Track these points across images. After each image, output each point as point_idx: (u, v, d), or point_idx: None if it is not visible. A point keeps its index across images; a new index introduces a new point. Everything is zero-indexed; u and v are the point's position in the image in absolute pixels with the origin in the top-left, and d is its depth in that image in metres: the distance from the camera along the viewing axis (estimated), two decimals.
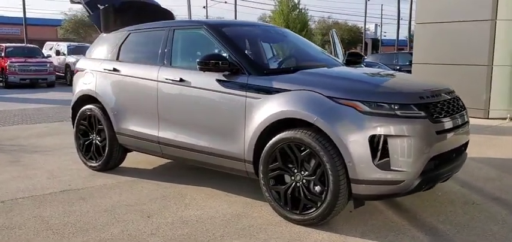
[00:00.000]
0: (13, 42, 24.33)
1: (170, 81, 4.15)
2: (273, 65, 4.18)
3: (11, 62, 16.91)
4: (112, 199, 4.06)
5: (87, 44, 22.72)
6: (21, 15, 30.65)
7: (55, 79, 17.97)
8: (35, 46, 19.82)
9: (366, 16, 45.64)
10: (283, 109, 3.41)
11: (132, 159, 5.15)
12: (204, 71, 3.81)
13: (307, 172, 3.37)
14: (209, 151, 3.92)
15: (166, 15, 5.69)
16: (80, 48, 20.39)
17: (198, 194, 4.18)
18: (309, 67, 3.99)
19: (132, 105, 4.52)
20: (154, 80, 4.28)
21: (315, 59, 4.47)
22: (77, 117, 5.06)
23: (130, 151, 4.89)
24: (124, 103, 4.59)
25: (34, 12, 37.54)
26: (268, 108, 3.50)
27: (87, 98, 5.02)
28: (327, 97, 3.27)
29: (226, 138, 3.80)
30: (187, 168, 4.98)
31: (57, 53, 20.00)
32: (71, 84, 18.54)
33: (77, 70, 5.29)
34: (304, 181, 3.39)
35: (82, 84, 5.06)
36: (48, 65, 17.60)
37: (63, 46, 20.60)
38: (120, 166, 5.03)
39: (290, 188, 3.46)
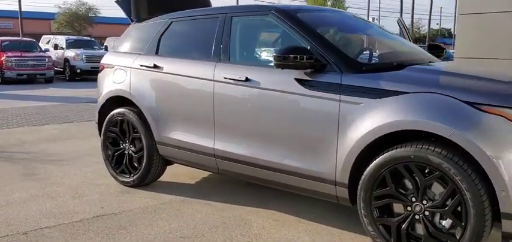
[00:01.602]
0: (6, 36, 23.25)
1: (231, 81, 3.34)
2: (365, 60, 3.37)
3: (7, 57, 15.91)
4: (161, 228, 3.25)
5: (87, 37, 21.81)
6: (13, 8, 29.50)
7: (54, 75, 17.00)
8: (31, 39, 18.79)
9: (369, 9, 44.92)
10: (399, 119, 2.61)
11: (169, 171, 4.33)
12: (283, 68, 3.00)
13: (432, 202, 2.58)
14: (285, 169, 3.12)
15: (204, 3, 4.85)
16: (79, 41, 19.44)
17: (266, 221, 3.38)
18: (412, 62, 3.19)
19: (179, 109, 3.70)
20: (209, 79, 3.47)
21: (410, 52, 3.65)
22: (105, 123, 4.23)
23: (171, 163, 4.08)
24: (168, 107, 3.77)
25: (26, 5, 36.16)
26: (375, 116, 2.70)
27: (117, 100, 4.20)
28: (465, 102, 2.47)
29: (310, 153, 3.00)
30: (238, 182, 4.17)
31: (55, 46, 19.00)
32: (70, 79, 17.88)
33: (104, 67, 4.45)
34: (426, 213, 2.60)
35: (111, 83, 4.23)
36: (46, 60, 16.63)
37: (61, 39, 19.59)
38: (157, 180, 4.22)
39: (405, 222, 2.67)
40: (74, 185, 4.21)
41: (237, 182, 4.16)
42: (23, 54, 16.37)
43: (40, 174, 4.59)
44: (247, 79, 3.24)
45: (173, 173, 4.41)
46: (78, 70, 17.37)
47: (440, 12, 58.45)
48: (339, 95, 2.86)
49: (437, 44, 4.38)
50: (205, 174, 4.44)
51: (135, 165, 4.12)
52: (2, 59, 15.92)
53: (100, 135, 4.41)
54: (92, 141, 6.21)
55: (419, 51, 3.73)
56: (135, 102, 3.98)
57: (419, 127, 2.54)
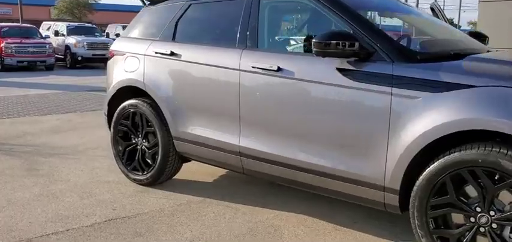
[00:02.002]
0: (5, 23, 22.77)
1: (260, 71, 2.96)
2: (416, 48, 2.98)
3: (7, 43, 15.47)
4: (181, 235, 2.90)
5: (88, 24, 21.32)
6: None
7: (54, 62, 16.58)
8: (32, 26, 18.32)
9: None
10: (468, 117, 2.24)
11: (185, 168, 3.97)
12: (324, 56, 2.63)
13: (501, 213, 2.23)
14: (323, 171, 2.76)
15: None
16: (80, 28, 18.98)
17: (297, 228, 3.03)
18: (469, 51, 2.82)
19: (199, 102, 3.33)
20: (235, 69, 3.09)
21: (462, 40, 3.25)
22: (116, 115, 3.86)
23: (188, 160, 3.72)
24: (186, 99, 3.40)
25: None
26: (436, 113, 2.33)
27: (129, 90, 3.82)
28: None
29: (353, 154, 2.64)
30: (261, 181, 3.81)
31: (56, 33, 18.53)
32: (71, 67, 17.41)
33: (113, 54, 4.07)
34: (494, 225, 2.25)
35: (122, 72, 3.85)
36: (47, 46, 16.18)
37: (62, 26, 19.12)
38: (172, 178, 3.86)
39: (468, 235, 2.32)
40: (81, 183, 3.85)
41: (259, 181, 3.81)
42: (23, 41, 15.92)
43: (44, 169, 4.23)
44: (279, 69, 2.87)
45: (190, 170, 4.05)
46: (80, 58, 16.92)
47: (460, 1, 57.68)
48: (390, 88, 2.49)
49: (479, 32, 3.99)
50: (224, 171, 4.08)
51: (149, 161, 3.77)
52: (2, 45, 15.48)
53: (109, 129, 4.05)
54: (97, 132, 5.85)
55: (469, 39, 3.35)
56: (149, 93, 3.61)
57: (493, 127, 2.18)
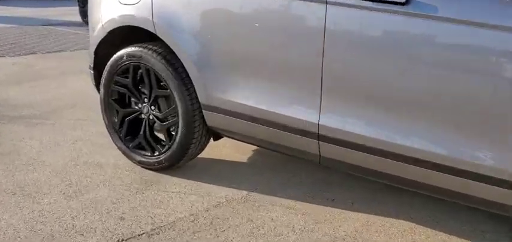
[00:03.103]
0: None
1: (369, 3, 1.81)
2: None
3: None
4: None
5: None
6: None
7: None
8: None
9: None
10: None
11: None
12: None
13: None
14: (467, 169, 1.73)
15: None
16: None
17: (395, 239, 2.04)
18: None
19: (252, 51, 2.16)
20: (318, 0, 1.92)
21: None
22: (107, 70, 2.63)
23: (219, 137, 2.59)
24: (229, 46, 2.21)
25: None
26: None
27: (128, 32, 2.60)
28: None
29: None
30: (324, 169, 2.75)
31: None
32: None
33: None
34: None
35: (116, 4, 2.58)
36: None
37: None
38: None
39: None
40: (61, 168, 2.67)
41: (320, 168, 2.74)
42: None
43: (5, 144, 3.00)
44: (406, 2, 1.73)
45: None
46: None
47: None
48: None
49: None
50: (251, 146, 2.98)
51: (161, 137, 2.62)
52: None
53: (97, 89, 2.83)
54: (69, 82, 4.57)
55: None
56: (161, 36, 2.39)
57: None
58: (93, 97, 3.97)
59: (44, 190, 2.41)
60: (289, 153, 2.25)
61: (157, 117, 2.55)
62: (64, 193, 2.38)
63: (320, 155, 2.08)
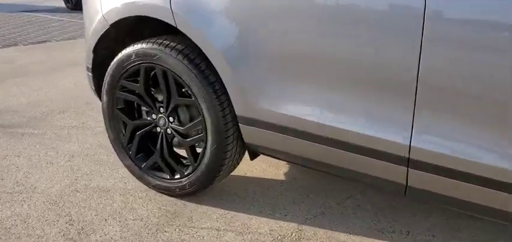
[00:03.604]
0: None
1: None
2: None
3: None
4: None
5: None
6: None
7: None
8: None
9: None
10: None
11: None
12: None
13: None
14: None
15: None
16: None
17: None
18: None
19: (315, 50, 1.59)
20: None
21: None
22: (110, 73, 2.07)
23: (257, 156, 2.07)
24: (282, 43, 1.66)
25: None
26: None
27: (138, 24, 2.05)
28: None
29: None
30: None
31: None
32: None
33: None
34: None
35: None
36: None
37: None
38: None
39: None
40: (56, 196, 2.13)
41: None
42: None
43: None
44: None
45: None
46: None
47: None
48: None
49: None
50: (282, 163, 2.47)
51: (181, 153, 2.10)
52: None
53: (98, 95, 2.29)
54: (58, 80, 3.99)
55: None
56: (184, 28, 1.84)
57: None
58: (88, 98, 3.43)
59: (38, 231, 1.87)
60: (359, 179, 1.73)
61: (177, 131, 2.02)
62: (64, 235, 1.85)
63: (407, 184, 1.58)
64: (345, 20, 1.51)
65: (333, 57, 1.56)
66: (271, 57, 1.69)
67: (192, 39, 1.83)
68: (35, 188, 2.21)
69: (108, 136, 2.22)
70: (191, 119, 2.02)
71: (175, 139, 2.07)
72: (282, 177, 2.33)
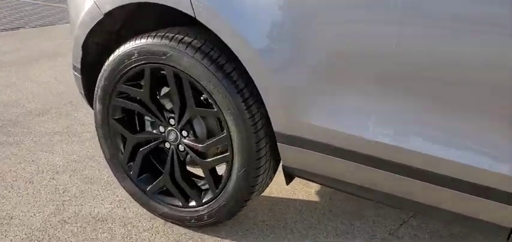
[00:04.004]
0: None
1: None
2: None
3: None
4: None
5: None
6: None
7: None
8: None
9: None
10: None
11: None
12: None
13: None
14: None
15: None
16: None
17: None
18: None
19: (392, 52, 1.19)
20: None
21: None
22: (104, 76, 1.63)
23: (292, 179, 1.66)
24: (346, 41, 1.24)
25: None
26: None
27: (136, 12, 1.62)
28: None
29: None
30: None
31: None
32: None
33: None
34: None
35: None
36: None
37: None
38: None
39: None
40: (39, 229, 1.70)
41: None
42: None
43: None
44: None
45: None
46: None
47: None
48: None
49: None
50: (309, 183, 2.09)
51: (195, 173, 1.69)
52: None
53: (88, 101, 1.85)
54: (34, 72, 3.51)
55: None
56: (205, 20, 1.40)
57: None
58: (72, 96, 2.97)
59: None
60: (440, 218, 1.35)
61: (193, 149, 1.60)
62: None
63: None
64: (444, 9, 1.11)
65: (421, 59, 1.16)
66: (330, 59, 1.28)
67: (218, 34, 1.40)
68: (11, 218, 1.77)
69: (104, 155, 1.79)
70: (209, 132, 1.61)
71: (189, 156, 1.65)
72: (314, 197, 1.95)
